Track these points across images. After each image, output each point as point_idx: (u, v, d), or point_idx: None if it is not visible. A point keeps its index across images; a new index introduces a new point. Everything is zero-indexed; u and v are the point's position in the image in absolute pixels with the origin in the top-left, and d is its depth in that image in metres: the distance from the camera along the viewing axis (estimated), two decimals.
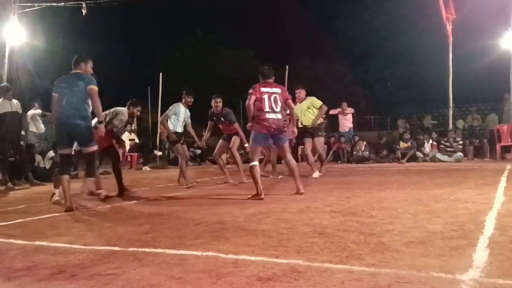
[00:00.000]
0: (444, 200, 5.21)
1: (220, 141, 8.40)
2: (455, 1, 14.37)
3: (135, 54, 29.92)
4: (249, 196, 5.89)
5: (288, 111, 6.48)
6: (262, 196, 5.82)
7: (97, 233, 3.93)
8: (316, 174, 8.49)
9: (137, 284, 2.48)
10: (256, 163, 6.02)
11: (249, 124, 6.10)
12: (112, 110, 6.96)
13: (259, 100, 5.93)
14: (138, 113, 7.29)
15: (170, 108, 7.81)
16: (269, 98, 5.94)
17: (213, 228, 3.96)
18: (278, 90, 6.08)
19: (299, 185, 6.17)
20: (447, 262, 2.69)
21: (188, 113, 7.86)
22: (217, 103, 8.03)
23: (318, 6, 30.20)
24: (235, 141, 8.19)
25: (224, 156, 14.77)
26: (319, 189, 6.67)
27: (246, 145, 7.73)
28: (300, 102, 8.57)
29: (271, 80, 6.16)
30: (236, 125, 8.00)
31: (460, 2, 14.85)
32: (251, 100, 5.93)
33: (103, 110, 6.02)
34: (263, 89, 5.99)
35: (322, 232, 3.62)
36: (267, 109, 5.91)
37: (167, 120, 7.70)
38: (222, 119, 8.08)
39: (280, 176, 8.57)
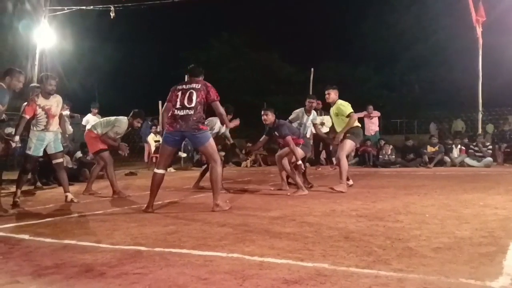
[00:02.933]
0: (473, 205, 5.12)
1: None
2: (485, 3, 14.12)
3: (161, 56, 30.31)
4: (143, 208, 5.31)
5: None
6: (150, 209, 5.23)
7: (123, 233, 3.98)
8: (342, 186, 6.94)
9: (164, 284, 2.50)
10: (160, 171, 5.35)
11: None
12: (113, 118, 7.19)
13: (173, 100, 5.28)
14: (139, 124, 7.37)
15: (207, 122, 7.39)
16: (183, 94, 5.20)
17: (237, 230, 3.97)
18: (197, 85, 5.23)
19: (215, 199, 5.21)
20: (477, 269, 2.64)
21: (224, 129, 7.64)
22: (263, 116, 7.04)
23: (344, 9, 30.02)
24: (284, 151, 7.02)
25: (248, 160, 14.84)
26: (344, 193, 6.62)
27: (299, 162, 6.81)
28: (332, 105, 7.49)
29: (197, 79, 5.37)
30: (288, 139, 6.74)
31: (490, 4, 14.57)
32: (165, 107, 5.48)
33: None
34: (179, 87, 5.33)
35: (348, 236, 3.60)
36: (177, 105, 5.19)
37: None
38: (276, 133, 6.97)
39: (309, 185, 7.62)
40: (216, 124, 7.49)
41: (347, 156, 7.56)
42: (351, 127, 7.24)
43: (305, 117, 7.91)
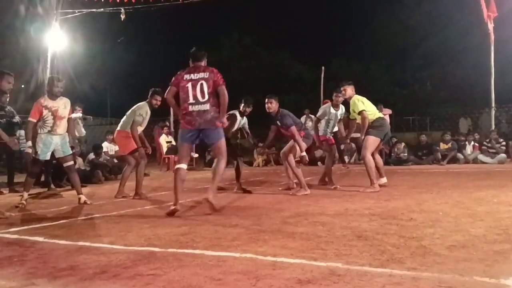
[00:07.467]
0: (487, 203, 5.07)
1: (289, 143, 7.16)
2: None
3: (172, 56, 30.40)
4: (167, 211, 5.02)
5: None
6: (177, 207, 5.01)
7: (137, 234, 4.00)
8: (374, 187, 6.68)
9: (178, 284, 2.51)
10: (181, 165, 5.19)
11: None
12: (132, 108, 7.06)
13: (183, 90, 5.08)
14: (158, 102, 7.10)
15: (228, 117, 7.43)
16: (194, 87, 5.03)
17: (250, 230, 3.97)
18: (205, 75, 5.05)
19: (210, 196, 5.13)
20: (491, 267, 2.62)
21: (243, 121, 7.46)
22: (267, 104, 6.88)
23: (354, 6, 29.93)
24: (288, 147, 7.01)
25: (260, 159, 14.82)
26: (356, 192, 6.59)
27: (303, 154, 6.69)
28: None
29: (200, 64, 5.17)
30: (293, 129, 6.66)
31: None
32: (169, 93, 5.19)
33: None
34: (186, 76, 5.10)
35: (361, 235, 3.58)
36: (191, 100, 5.04)
37: None
38: (278, 122, 6.90)
39: (333, 186, 7.33)
40: (237, 118, 7.30)
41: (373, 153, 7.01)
42: (372, 120, 6.92)
43: (333, 112, 7.70)
